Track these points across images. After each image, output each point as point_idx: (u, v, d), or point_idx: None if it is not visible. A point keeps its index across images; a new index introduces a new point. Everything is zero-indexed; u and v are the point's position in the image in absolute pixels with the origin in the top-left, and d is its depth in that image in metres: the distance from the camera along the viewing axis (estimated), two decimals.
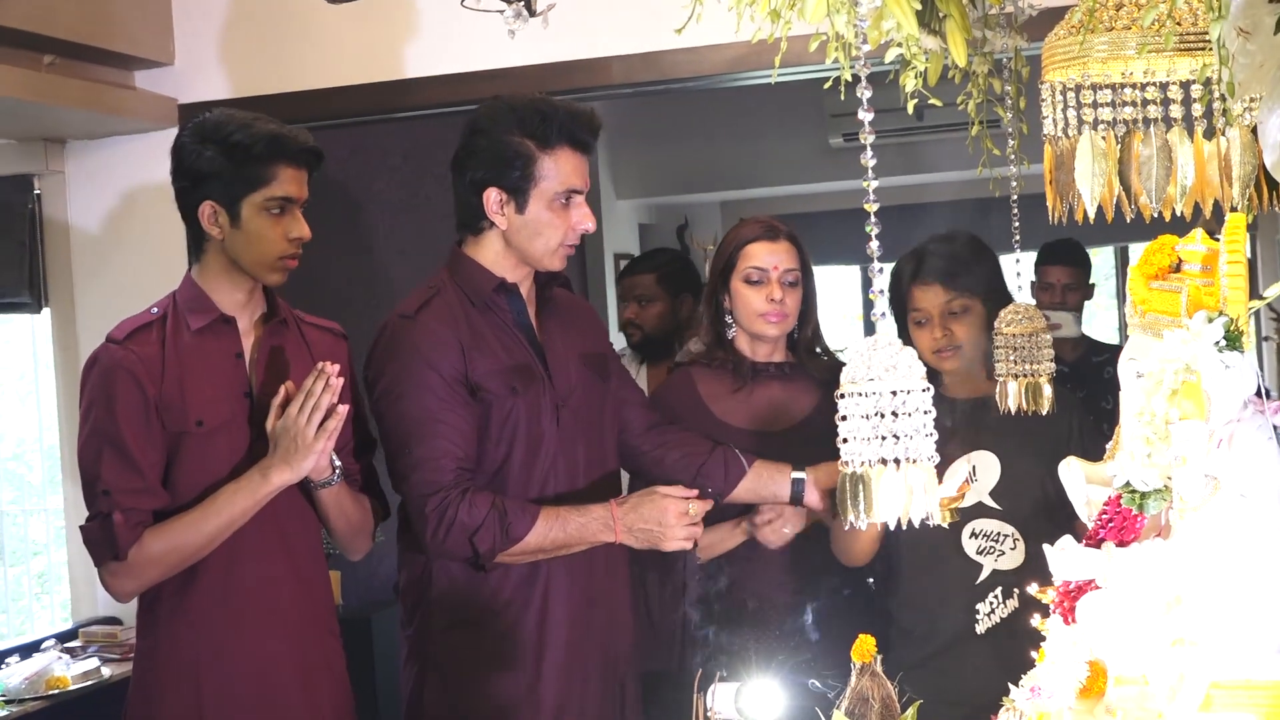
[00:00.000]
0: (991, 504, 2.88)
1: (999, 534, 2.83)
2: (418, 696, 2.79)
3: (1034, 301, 2.52)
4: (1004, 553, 2.82)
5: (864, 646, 2.15)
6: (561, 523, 2.69)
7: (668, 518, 2.72)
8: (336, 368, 2.60)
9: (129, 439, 2.58)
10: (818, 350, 3.17)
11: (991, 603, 2.79)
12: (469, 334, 2.70)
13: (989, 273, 3.00)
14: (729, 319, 3.12)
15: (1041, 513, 2.83)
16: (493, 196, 2.71)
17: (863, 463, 1.38)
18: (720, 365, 3.11)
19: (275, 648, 2.68)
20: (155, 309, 2.71)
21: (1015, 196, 2.37)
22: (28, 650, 3.70)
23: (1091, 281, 5.05)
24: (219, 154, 2.62)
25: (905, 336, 2.98)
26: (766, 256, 3.06)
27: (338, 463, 2.69)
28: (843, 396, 1.39)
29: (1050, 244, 5.02)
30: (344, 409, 2.60)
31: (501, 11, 2.61)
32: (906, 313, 2.99)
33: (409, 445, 2.67)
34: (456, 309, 2.72)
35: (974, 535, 2.84)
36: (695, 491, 2.78)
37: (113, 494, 2.57)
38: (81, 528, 2.65)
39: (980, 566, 2.83)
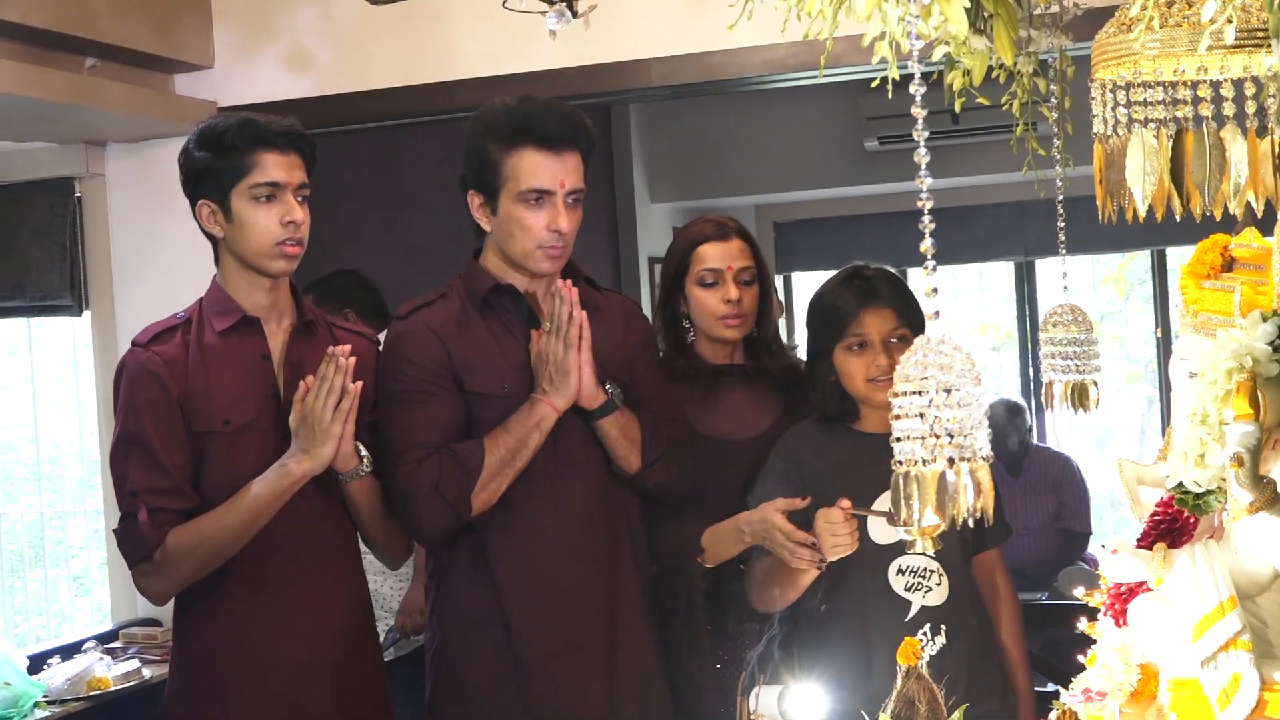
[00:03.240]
0: None
1: (925, 569, 2.72)
2: (434, 696, 2.79)
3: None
4: (931, 588, 2.71)
5: (909, 649, 2.13)
6: (503, 430, 2.66)
7: (566, 365, 2.65)
8: (347, 348, 2.61)
9: (154, 439, 2.59)
10: (775, 350, 3.07)
11: (922, 639, 2.67)
12: (459, 332, 2.71)
13: (919, 309, 2.82)
14: (686, 324, 3.05)
15: (955, 545, 2.73)
16: (474, 201, 2.76)
17: (916, 462, 1.36)
18: (681, 374, 3.02)
19: (305, 648, 2.67)
20: (182, 313, 2.73)
21: (1060, 198, 2.34)
22: (69, 651, 3.72)
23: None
24: (206, 153, 2.65)
25: (826, 363, 2.81)
26: (719, 257, 2.99)
27: (364, 453, 2.68)
28: (896, 395, 1.38)
29: None
30: (356, 386, 2.60)
31: (544, 13, 2.61)
32: (840, 337, 2.79)
33: (393, 441, 2.70)
34: (455, 310, 2.74)
35: (901, 571, 2.72)
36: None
37: (139, 494, 2.58)
38: (114, 530, 2.67)
39: (909, 604, 2.72)
